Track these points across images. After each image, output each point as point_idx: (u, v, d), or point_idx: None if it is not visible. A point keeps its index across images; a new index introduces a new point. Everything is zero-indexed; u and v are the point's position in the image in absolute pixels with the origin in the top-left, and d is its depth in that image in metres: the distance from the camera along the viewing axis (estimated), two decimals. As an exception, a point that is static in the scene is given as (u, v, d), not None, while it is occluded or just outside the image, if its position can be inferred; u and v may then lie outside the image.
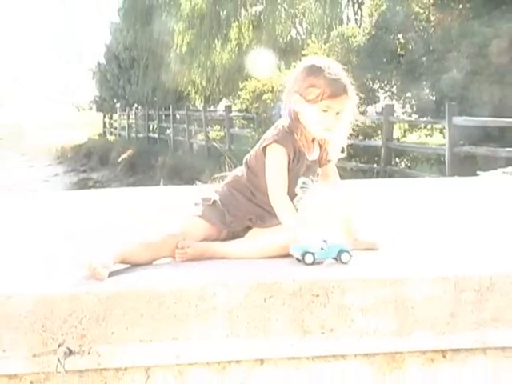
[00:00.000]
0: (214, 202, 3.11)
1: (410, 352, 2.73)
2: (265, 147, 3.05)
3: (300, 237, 2.88)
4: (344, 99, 3.02)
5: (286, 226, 2.96)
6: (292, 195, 3.03)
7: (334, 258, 2.88)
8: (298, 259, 2.88)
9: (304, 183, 3.06)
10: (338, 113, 3.03)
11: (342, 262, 2.86)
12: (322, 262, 2.87)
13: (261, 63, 23.42)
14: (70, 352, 2.56)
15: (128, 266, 2.87)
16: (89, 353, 2.57)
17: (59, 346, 2.55)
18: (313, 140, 3.14)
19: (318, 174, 3.18)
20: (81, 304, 2.56)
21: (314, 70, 3.03)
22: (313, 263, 2.85)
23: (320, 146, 3.19)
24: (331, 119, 3.03)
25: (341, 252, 2.87)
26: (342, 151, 3.23)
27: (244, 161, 3.19)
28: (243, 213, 3.10)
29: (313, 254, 2.85)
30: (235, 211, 3.10)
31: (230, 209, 3.10)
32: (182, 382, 2.67)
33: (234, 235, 3.10)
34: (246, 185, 3.13)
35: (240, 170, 3.21)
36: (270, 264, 2.86)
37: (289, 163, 3.03)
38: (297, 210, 3.00)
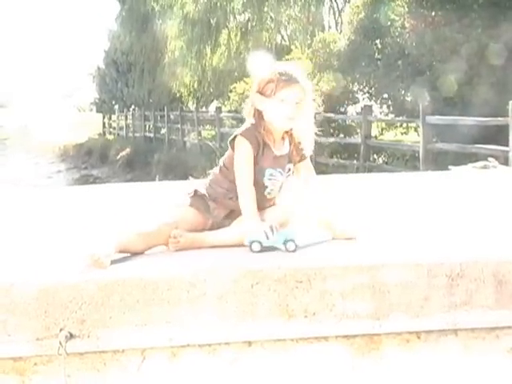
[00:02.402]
0: (202, 194, 3.13)
1: (386, 334, 2.74)
2: (232, 141, 3.07)
3: (248, 227, 2.92)
4: (298, 88, 3.04)
5: (244, 214, 3.00)
6: (260, 185, 3.07)
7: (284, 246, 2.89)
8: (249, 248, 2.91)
9: (271, 174, 3.09)
10: (297, 103, 3.05)
11: (288, 251, 2.87)
12: (276, 249, 2.88)
13: (248, 67, 23.38)
14: (71, 336, 2.55)
15: (125, 254, 2.86)
16: (88, 336, 2.57)
17: (61, 330, 2.55)
18: (283, 137, 3.15)
19: (289, 170, 3.18)
20: (81, 291, 2.56)
21: (270, 71, 3.09)
22: (260, 251, 2.87)
23: (289, 143, 3.19)
24: (290, 108, 3.04)
25: (286, 241, 2.88)
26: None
27: (221, 162, 3.23)
28: (222, 199, 3.11)
29: (259, 242, 2.87)
30: (217, 200, 3.11)
31: (213, 198, 3.12)
32: (175, 363, 2.66)
33: (219, 225, 3.11)
34: (222, 179, 3.14)
35: (217, 168, 3.23)
36: (257, 253, 2.86)
37: (255, 156, 3.04)
38: (268, 199, 3.10)
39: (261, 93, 3.08)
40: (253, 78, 2.94)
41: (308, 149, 3.22)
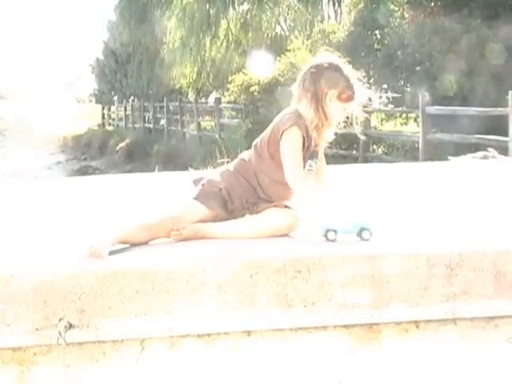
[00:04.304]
0: (220, 190, 3.05)
1: (385, 323, 2.74)
2: (285, 130, 3.02)
3: (318, 217, 2.91)
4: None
5: (303, 203, 2.98)
6: None
7: (357, 235, 2.89)
8: (324, 237, 2.89)
9: (310, 165, 3.09)
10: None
11: (363, 239, 2.88)
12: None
13: (248, 58, 23.36)
14: (70, 326, 2.55)
15: (124, 245, 2.86)
16: (88, 326, 2.57)
17: (60, 320, 2.55)
18: (312, 130, 3.12)
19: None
20: (80, 281, 2.55)
21: (349, 72, 3.13)
22: (334, 240, 2.86)
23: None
24: (343, 116, 3.13)
25: (361, 230, 2.88)
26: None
27: (254, 144, 3.17)
28: (243, 201, 3.06)
29: (335, 231, 2.86)
30: (238, 199, 3.05)
31: (235, 198, 3.05)
32: (174, 352, 2.66)
33: (226, 219, 3.07)
34: (254, 171, 3.09)
35: (247, 154, 3.17)
36: (256, 243, 2.86)
37: (303, 147, 3.04)
38: None
39: (339, 92, 3.07)
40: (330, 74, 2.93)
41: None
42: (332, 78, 3.07)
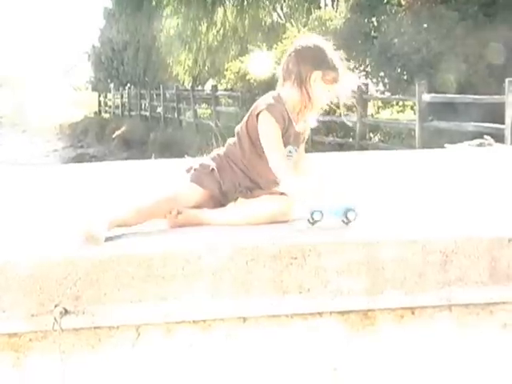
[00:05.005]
0: (213, 170, 3.06)
1: (381, 309, 2.74)
2: (258, 114, 3.00)
3: (302, 197, 2.88)
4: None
5: (289, 188, 2.94)
6: None
7: (343, 217, 2.88)
8: (310, 219, 2.86)
9: (290, 152, 3.07)
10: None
11: (348, 221, 2.86)
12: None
13: (244, 46, 23.31)
14: (66, 312, 2.55)
15: (120, 232, 2.85)
16: (83, 312, 2.57)
17: (56, 306, 2.55)
18: (297, 113, 3.11)
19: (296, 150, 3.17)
20: (75, 268, 2.55)
21: (333, 54, 3.07)
22: (320, 220, 2.84)
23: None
24: (328, 99, 3.10)
25: (347, 210, 2.86)
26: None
27: (235, 130, 3.16)
28: (236, 184, 3.06)
29: (321, 212, 2.84)
30: (230, 182, 3.06)
31: (226, 179, 3.06)
32: (170, 339, 2.67)
33: (222, 205, 3.08)
34: (239, 156, 3.08)
35: (233, 140, 3.16)
36: (252, 230, 2.85)
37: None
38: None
39: (322, 73, 3.02)
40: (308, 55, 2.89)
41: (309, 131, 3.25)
42: (316, 58, 3.04)
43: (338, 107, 3.20)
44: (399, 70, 17.97)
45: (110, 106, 44.20)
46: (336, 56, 3.06)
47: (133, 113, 36.45)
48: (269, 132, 2.97)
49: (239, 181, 3.06)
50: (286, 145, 3.04)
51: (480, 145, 7.74)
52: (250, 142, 3.05)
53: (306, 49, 3.07)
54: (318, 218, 2.84)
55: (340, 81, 3.06)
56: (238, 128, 3.14)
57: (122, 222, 2.89)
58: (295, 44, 3.13)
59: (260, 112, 2.99)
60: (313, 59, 3.04)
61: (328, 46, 3.08)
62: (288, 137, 3.05)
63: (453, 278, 2.71)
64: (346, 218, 2.87)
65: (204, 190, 3.05)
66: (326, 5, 27.83)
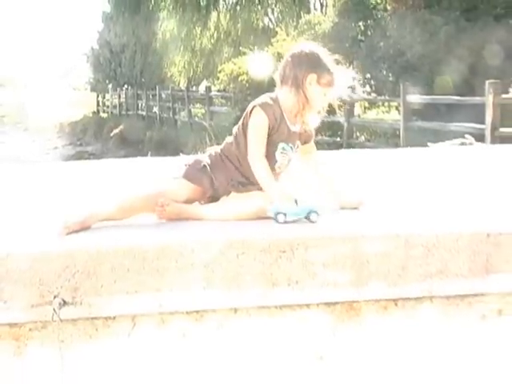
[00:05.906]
0: (204, 166, 3.06)
1: (365, 301, 2.75)
2: (252, 109, 3.01)
3: (273, 198, 2.88)
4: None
5: (262, 184, 2.94)
6: (271, 158, 3.03)
7: (305, 218, 2.87)
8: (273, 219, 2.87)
9: (283, 149, 3.07)
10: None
11: (311, 221, 2.86)
12: (295, 221, 2.86)
13: (237, 48, 23.28)
14: (65, 303, 2.55)
15: (115, 225, 2.85)
16: (81, 303, 2.57)
17: (54, 297, 2.54)
18: (295, 115, 3.12)
19: (297, 147, 3.17)
20: (74, 260, 2.55)
21: (328, 59, 3.08)
22: (285, 222, 2.84)
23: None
24: (325, 102, 3.10)
25: (310, 212, 2.86)
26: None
27: (233, 129, 3.16)
28: (228, 179, 3.05)
29: (284, 213, 2.85)
30: (222, 177, 3.04)
31: (218, 175, 3.04)
32: (164, 329, 2.67)
33: (213, 200, 3.07)
34: (235, 153, 3.08)
35: (231, 138, 3.17)
36: (242, 224, 2.86)
37: (269, 128, 3.01)
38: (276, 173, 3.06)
39: (318, 76, 3.02)
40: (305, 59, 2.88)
41: (313, 131, 3.25)
42: (311, 62, 3.04)
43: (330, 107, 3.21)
44: (385, 72, 18.00)
45: (108, 106, 44.09)
46: (331, 60, 3.08)
47: (130, 112, 36.36)
48: (255, 124, 2.99)
49: (232, 176, 3.05)
50: (277, 142, 3.05)
51: (461, 144, 7.75)
52: (246, 140, 3.06)
53: (302, 54, 3.08)
54: (281, 221, 2.85)
55: (335, 85, 3.07)
56: (235, 127, 3.15)
57: (107, 216, 2.89)
58: (292, 50, 3.15)
59: (253, 107, 3.01)
60: (308, 63, 3.04)
61: (323, 52, 3.10)
62: (280, 134, 3.04)
63: (434, 271, 2.72)
64: (309, 219, 2.87)
65: (194, 185, 3.04)
66: (315, 9, 27.87)
